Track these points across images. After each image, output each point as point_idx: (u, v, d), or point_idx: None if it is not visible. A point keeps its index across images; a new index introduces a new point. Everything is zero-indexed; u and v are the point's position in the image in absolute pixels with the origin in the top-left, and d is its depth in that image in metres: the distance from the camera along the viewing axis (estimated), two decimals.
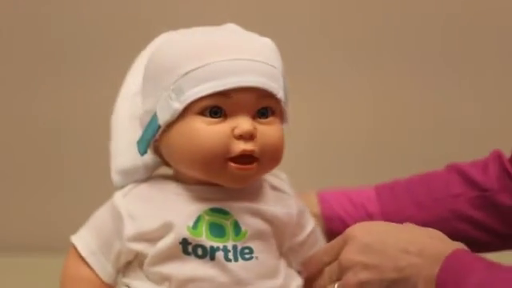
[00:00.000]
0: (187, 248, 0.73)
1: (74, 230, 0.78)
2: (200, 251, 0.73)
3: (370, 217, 0.96)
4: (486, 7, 1.44)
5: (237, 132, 0.71)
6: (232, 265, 0.73)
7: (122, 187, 0.77)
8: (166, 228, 0.73)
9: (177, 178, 0.77)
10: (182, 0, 1.41)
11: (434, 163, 1.18)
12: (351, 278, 0.74)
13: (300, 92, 1.36)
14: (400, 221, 0.81)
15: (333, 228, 0.96)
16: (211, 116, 0.71)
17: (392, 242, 0.74)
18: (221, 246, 0.73)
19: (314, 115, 1.43)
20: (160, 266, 0.73)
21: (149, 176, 0.79)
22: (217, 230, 0.74)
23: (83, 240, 0.76)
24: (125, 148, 0.78)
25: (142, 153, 0.76)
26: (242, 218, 0.75)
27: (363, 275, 0.74)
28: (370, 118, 1.47)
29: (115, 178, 0.78)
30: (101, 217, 0.77)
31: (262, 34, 0.77)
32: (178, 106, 0.71)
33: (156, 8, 1.40)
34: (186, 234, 0.73)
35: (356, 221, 0.91)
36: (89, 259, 0.76)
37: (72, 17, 1.39)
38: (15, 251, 1.38)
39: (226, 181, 0.74)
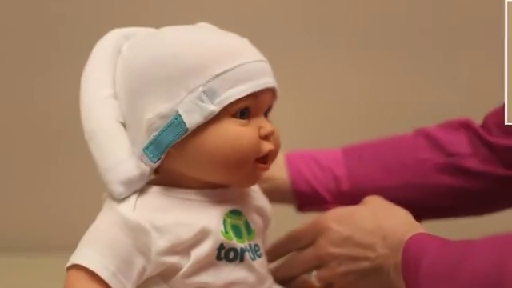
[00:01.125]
0: (220, 253, 0.72)
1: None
2: (232, 254, 0.73)
3: (336, 180, 0.98)
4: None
5: (263, 132, 0.73)
6: (255, 263, 0.75)
7: (123, 199, 0.72)
8: (203, 235, 0.71)
9: (172, 184, 0.74)
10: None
11: None
12: (333, 269, 0.81)
13: (290, 90, 1.36)
14: (367, 185, 0.90)
15: (298, 190, 0.99)
16: (241, 117, 0.72)
17: (360, 235, 0.80)
18: (244, 246, 0.74)
19: (304, 112, 1.44)
20: (196, 276, 0.72)
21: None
22: (237, 232, 0.74)
23: (97, 262, 0.69)
24: (126, 156, 0.73)
25: (156, 160, 0.72)
26: (251, 217, 0.77)
27: (344, 267, 0.81)
28: (359, 113, 1.48)
29: (119, 189, 0.71)
30: (109, 234, 0.70)
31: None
32: (214, 108, 0.70)
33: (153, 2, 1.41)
34: (222, 238, 0.72)
35: (322, 184, 0.98)
36: (110, 281, 0.69)
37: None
38: (15, 251, 1.38)
39: (247, 181, 0.75)
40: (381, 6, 1.45)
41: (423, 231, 0.78)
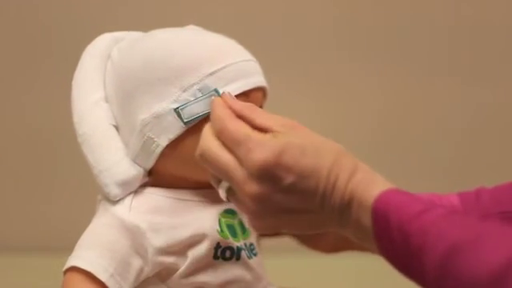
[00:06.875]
0: (217, 252, 0.73)
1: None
2: (228, 253, 0.73)
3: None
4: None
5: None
6: (251, 262, 0.75)
7: (119, 201, 0.72)
8: (199, 235, 0.72)
9: (167, 185, 0.74)
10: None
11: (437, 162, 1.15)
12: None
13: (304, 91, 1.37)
14: None
15: None
16: None
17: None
18: (240, 245, 0.74)
19: (320, 115, 1.44)
20: (194, 276, 0.72)
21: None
22: (232, 231, 0.74)
23: (95, 264, 0.68)
24: (120, 158, 0.73)
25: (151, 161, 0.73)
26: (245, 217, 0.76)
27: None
28: (374, 117, 1.48)
29: (115, 191, 0.71)
30: (106, 236, 0.70)
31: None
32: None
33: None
34: (219, 237, 0.72)
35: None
36: (109, 283, 0.68)
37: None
38: (15, 251, 1.38)
39: None
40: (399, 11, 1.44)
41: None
